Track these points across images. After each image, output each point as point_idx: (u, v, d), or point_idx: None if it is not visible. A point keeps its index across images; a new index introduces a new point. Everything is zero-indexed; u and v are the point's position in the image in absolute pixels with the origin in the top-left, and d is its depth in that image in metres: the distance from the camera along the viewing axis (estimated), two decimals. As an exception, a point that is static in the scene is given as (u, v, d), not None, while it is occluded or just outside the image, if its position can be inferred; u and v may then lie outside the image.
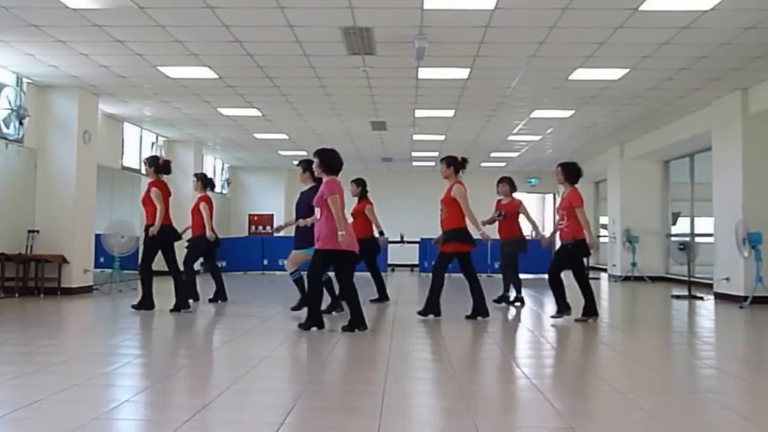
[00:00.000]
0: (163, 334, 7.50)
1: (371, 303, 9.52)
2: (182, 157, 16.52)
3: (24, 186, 10.75)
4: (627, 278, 15.97)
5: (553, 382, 5.17)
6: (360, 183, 10.06)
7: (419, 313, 8.14)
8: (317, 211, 6.95)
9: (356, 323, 6.94)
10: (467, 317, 8.07)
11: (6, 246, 10.27)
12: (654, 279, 15.91)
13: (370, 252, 9.73)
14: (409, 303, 8.70)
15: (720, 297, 11.17)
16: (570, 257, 7.95)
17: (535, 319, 8.32)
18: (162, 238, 8.54)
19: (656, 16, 7.36)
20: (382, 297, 9.98)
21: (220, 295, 9.73)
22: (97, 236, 11.57)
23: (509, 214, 9.76)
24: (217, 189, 20.90)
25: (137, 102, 12.26)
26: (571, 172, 8.06)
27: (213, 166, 20.44)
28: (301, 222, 7.98)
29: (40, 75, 10.24)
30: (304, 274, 7.39)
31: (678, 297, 11.64)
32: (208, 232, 9.52)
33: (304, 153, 17.38)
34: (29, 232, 10.70)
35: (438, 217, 8.18)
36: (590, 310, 7.95)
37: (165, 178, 8.82)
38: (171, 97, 11.83)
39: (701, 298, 11.28)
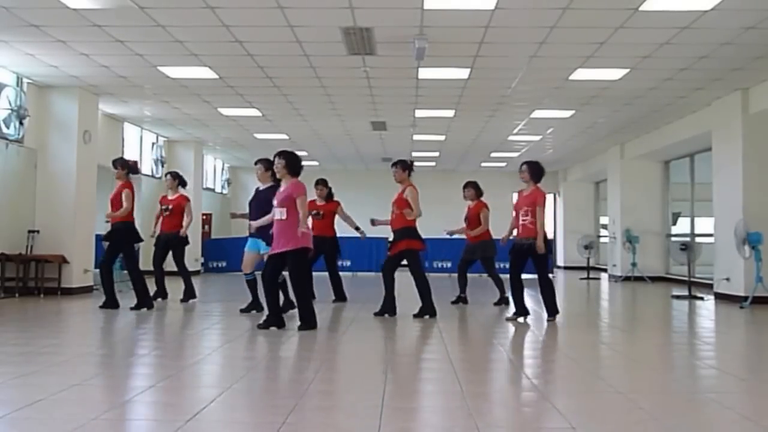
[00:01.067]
0: (162, 334, 7.50)
1: (333, 303, 9.85)
2: (182, 157, 16.53)
3: (24, 186, 10.75)
4: (627, 278, 15.97)
5: (553, 381, 5.17)
6: (326, 184, 10.18)
7: (375, 313, 8.38)
8: (280, 210, 6.99)
9: (308, 322, 7.08)
10: (414, 316, 8.24)
11: (6, 246, 10.27)
12: (654, 279, 15.92)
13: (332, 251, 9.99)
14: (408, 303, 8.70)
15: (720, 297, 11.17)
16: (530, 254, 7.96)
17: (535, 320, 8.31)
18: (129, 235, 8.84)
19: (656, 16, 7.36)
20: (339, 297, 10.10)
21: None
22: (97, 236, 11.56)
23: (472, 217, 9.85)
24: (218, 189, 20.94)
25: (137, 102, 12.26)
26: (536, 171, 8.15)
27: (213, 166, 20.44)
28: (255, 223, 7.85)
29: (40, 75, 10.24)
30: (258, 274, 7.63)
31: (678, 297, 11.64)
32: (183, 231, 9.82)
33: (304, 153, 17.40)
34: (29, 232, 10.71)
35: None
36: (513, 307, 8.11)
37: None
38: (171, 97, 11.83)
39: (701, 299, 11.28)
